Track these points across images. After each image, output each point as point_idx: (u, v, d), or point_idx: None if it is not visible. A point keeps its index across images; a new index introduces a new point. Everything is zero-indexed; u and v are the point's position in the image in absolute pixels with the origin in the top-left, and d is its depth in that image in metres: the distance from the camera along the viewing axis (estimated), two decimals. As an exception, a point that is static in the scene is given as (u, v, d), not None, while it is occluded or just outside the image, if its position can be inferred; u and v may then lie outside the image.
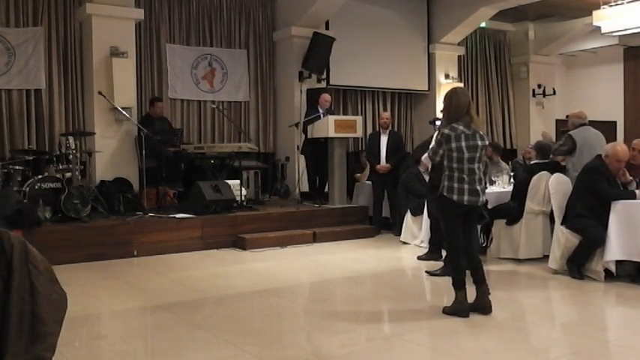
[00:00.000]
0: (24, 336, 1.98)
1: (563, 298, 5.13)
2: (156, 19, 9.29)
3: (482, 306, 4.28)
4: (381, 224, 8.32)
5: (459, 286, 4.29)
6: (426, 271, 5.82)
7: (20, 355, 1.97)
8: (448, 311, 4.30)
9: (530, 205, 6.26)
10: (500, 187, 7.11)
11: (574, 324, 4.36)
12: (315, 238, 7.62)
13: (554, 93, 13.21)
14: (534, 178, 6.27)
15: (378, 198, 8.29)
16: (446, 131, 4.22)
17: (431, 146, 4.49)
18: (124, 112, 7.82)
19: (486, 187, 4.67)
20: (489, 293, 4.33)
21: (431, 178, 5.69)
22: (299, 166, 9.33)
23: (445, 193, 4.24)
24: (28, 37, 8.26)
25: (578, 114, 6.80)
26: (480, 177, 4.27)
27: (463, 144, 4.20)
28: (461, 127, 4.21)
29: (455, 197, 4.21)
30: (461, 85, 11.56)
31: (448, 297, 4.96)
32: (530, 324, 4.32)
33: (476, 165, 4.23)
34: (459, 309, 4.25)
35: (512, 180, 7.59)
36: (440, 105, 9.55)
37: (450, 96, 4.34)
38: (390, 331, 4.22)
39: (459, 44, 11.83)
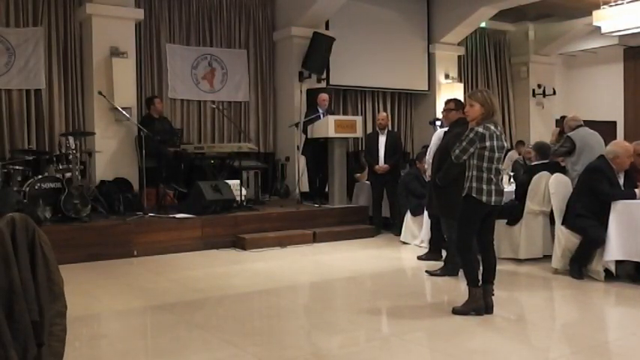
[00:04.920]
0: (48, 297, 2.52)
1: (563, 298, 5.13)
2: (156, 19, 9.29)
3: (484, 305, 4.28)
4: (381, 224, 8.32)
5: (474, 283, 4.29)
6: (426, 271, 5.82)
7: (50, 311, 2.50)
8: (461, 311, 4.27)
9: (530, 205, 6.26)
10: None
11: (574, 324, 4.36)
12: (315, 238, 7.61)
13: (554, 93, 13.22)
14: (534, 178, 6.27)
15: (377, 198, 8.28)
16: (480, 130, 4.18)
17: (460, 146, 4.26)
18: (123, 112, 7.82)
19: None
20: (493, 294, 4.33)
21: (434, 178, 5.67)
22: (299, 166, 9.33)
23: (474, 194, 4.22)
24: (28, 37, 8.27)
25: (573, 117, 6.85)
26: (502, 177, 4.38)
27: (495, 143, 4.21)
28: (492, 127, 4.22)
29: (484, 199, 4.21)
30: (461, 85, 11.58)
31: (449, 297, 4.98)
32: (531, 324, 4.32)
33: (500, 165, 4.31)
34: (474, 307, 4.26)
35: (511, 180, 7.59)
36: (440, 105, 9.60)
37: (490, 96, 4.29)
38: (389, 331, 4.22)
39: (459, 44, 11.84)
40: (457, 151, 4.29)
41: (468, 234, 4.34)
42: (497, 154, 4.24)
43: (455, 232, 4.96)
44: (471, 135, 4.21)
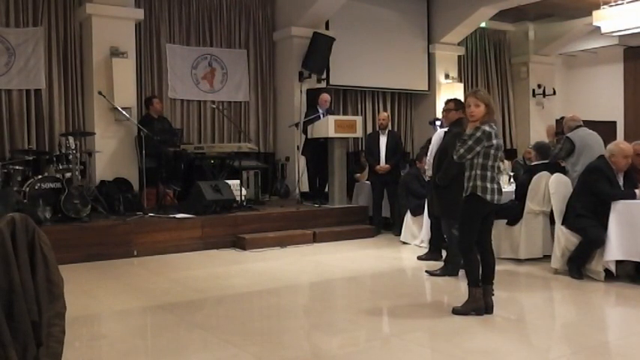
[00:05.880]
0: (47, 297, 2.51)
1: (563, 298, 5.13)
2: (156, 19, 9.29)
3: (484, 305, 4.28)
4: (381, 224, 8.32)
5: (475, 283, 4.29)
6: (426, 271, 5.82)
7: (48, 312, 2.48)
8: (461, 311, 4.28)
9: (530, 205, 6.26)
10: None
11: (574, 324, 4.36)
12: (315, 238, 7.62)
13: (554, 93, 13.22)
14: (534, 178, 6.27)
15: (377, 198, 8.28)
16: (487, 128, 4.19)
17: (465, 145, 4.21)
18: (123, 112, 7.83)
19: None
20: (493, 294, 4.34)
21: (435, 178, 5.67)
22: (299, 166, 9.33)
23: (479, 193, 4.21)
24: (28, 37, 8.27)
25: (572, 117, 6.86)
26: (501, 177, 4.41)
27: (499, 142, 4.27)
28: (494, 127, 4.26)
29: (488, 197, 4.22)
30: (461, 85, 11.57)
31: (449, 297, 4.98)
32: (531, 324, 4.32)
33: (502, 165, 4.32)
34: (474, 307, 4.26)
35: (511, 180, 7.59)
36: (440, 105, 9.60)
37: (490, 98, 4.34)
38: (389, 331, 4.22)
39: (459, 44, 11.84)
40: (462, 151, 4.24)
41: (470, 233, 4.32)
42: (499, 153, 4.30)
43: (456, 232, 4.97)
44: (478, 134, 4.19)
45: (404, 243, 7.51)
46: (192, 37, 9.68)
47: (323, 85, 10.02)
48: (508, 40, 13.19)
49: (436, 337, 3.96)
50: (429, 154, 6.29)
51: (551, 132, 8.86)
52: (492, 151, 4.22)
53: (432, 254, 6.43)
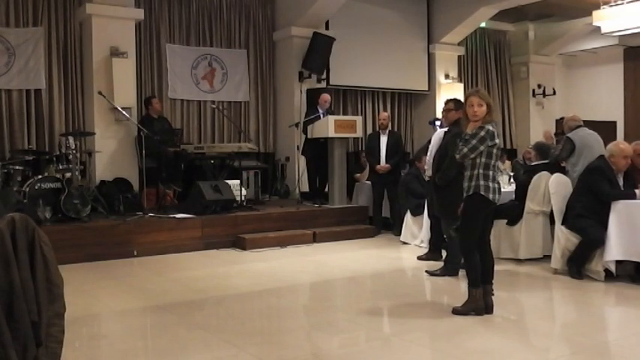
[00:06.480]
0: (47, 297, 2.53)
1: (563, 298, 5.13)
2: (156, 19, 9.29)
3: (484, 305, 4.28)
4: (381, 224, 8.32)
5: (475, 284, 4.28)
6: (426, 271, 5.82)
7: (47, 312, 2.49)
8: (461, 311, 4.27)
9: (530, 205, 6.26)
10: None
11: (574, 324, 4.36)
12: (315, 238, 7.62)
13: (554, 93, 13.22)
14: (534, 178, 6.28)
15: (377, 198, 8.28)
16: (490, 128, 4.20)
17: (469, 144, 4.16)
18: (123, 112, 7.83)
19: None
20: (493, 294, 4.33)
21: (435, 179, 5.67)
22: (299, 166, 9.34)
23: (482, 192, 4.20)
24: (28, 37, 8.26)
25: (573, 117, 6.87)
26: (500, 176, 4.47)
27: (499, 142, 4.30)
28: (495, 126, 4.27)
29: (490, 196, 4.22)
30: (461, 85, 11.57)
31: (449, 297, 4.98)
32: (531, 324, 4.32)
33: (499, 164, 4.36)
34: (474, 307, 4.26)
35: (511, 180, 7.59)
36: (440, 105, 9.60)
37: (489, 97, 4.35)
38: (390, 331, 4.22)
39: (459, 44, 11.84)
40: (465, 150, 4.18)
41: (472, 233, 4.31)
42: (499, 152, 4.31)
43: (454, 233, 4.96)
44: (482, 133, 4.17)
45: (404, 243, 7.51)
46: (192, 37, 9.68)
47: (323, 85, 10.01)
48: (508, 40, 13.19)
49: (436, 337, 3.96)
50: (428, 154, 6.28)
51: (548, 136, 8.86)
52: (495, 151, 4.23)
53: (432, 254, 6.43)
